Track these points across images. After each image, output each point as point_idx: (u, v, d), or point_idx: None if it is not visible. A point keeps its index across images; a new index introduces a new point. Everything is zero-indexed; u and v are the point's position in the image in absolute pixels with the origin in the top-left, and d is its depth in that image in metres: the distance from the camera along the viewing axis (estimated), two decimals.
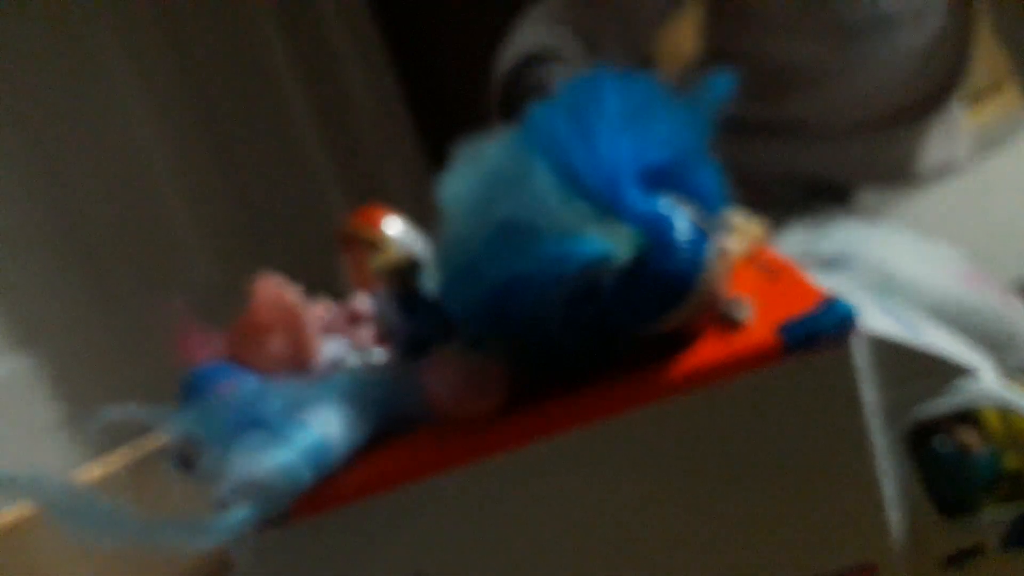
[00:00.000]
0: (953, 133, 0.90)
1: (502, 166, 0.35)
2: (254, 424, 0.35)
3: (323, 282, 0.51)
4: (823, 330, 0.31)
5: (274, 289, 0.38)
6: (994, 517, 0.34)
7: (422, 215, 0.38)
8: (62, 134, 1.23)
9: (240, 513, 0.32)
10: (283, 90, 1.53)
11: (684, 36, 0.92)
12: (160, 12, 1.38)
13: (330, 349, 0.40)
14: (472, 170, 0.36)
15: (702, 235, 0.34)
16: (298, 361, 0.39)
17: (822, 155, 0.86)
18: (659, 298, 0.33)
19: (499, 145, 0.35)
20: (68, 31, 1.26)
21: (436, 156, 1.75)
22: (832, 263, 0.73)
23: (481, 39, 0.72)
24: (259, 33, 1.50)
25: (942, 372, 0.34)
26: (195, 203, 1.38)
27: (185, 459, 0.36)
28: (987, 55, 0.89)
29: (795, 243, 0.80)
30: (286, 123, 1.53)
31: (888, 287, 0.70)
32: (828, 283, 0.53)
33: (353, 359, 0.38)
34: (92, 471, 0.41)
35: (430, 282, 0.39)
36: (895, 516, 0.34)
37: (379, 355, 0.39)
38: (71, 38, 1.26)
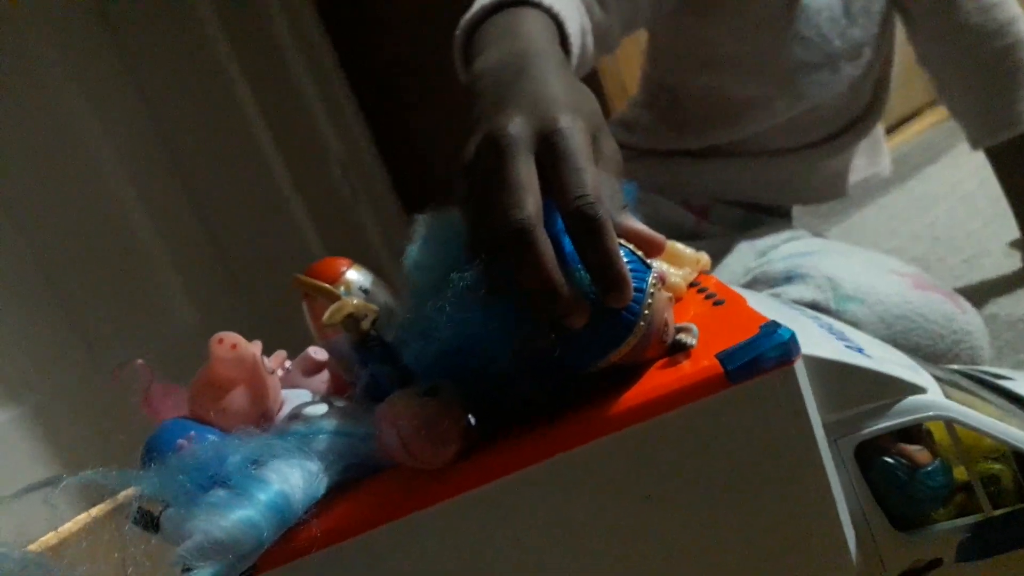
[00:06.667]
0: (877, 151, 0.95)
1: (457, 233, 0.36)
2: (215, 482, 0.35)
3: (301, 326, 0.51)
4: (763, 356, 0.32)
5: (232, 344, 0.38)
6: (949, 530, 0.34)
7: (398, 255, 0.39)
8: (36, 188, 1.23)
9: (202, 573, 0.32)
10: (258, 140, 1.55)
11: None
12: (133, 71, 1.39)
13: (290, 400, 0.40)
14: (431, 238, 0.37)
15: (643, 268, 0.34)
16: (259, 414, 0.39)
17: (763, 175, 0.89)
18: (605, 333, 0.33)
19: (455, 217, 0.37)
20: (40, 93, 1.27)
21: (410, 199, 1.75)
22: (784, 280, 0.75)
23: (451, 88, 0.72)
24: (234, 90, 1.53)
25: (888, 390, 0.35)
26: (173, 250, 1.39)
27: (147, 520, 0.36)
28: (907, 85, 0.95)
29: (744, 264, 0.81)
30: (263, 171, 1.55)
31: (840, 298, 0.71)
32: (780, 301, 0.53)
33: (313, 409, 0.38)
34: (49, 538, 0.41)
35: (389, 331, 0.40)
36: (851, 534, 0.34)
37: (339, 403, 0.39)
38: (44, 98, 1.27)
